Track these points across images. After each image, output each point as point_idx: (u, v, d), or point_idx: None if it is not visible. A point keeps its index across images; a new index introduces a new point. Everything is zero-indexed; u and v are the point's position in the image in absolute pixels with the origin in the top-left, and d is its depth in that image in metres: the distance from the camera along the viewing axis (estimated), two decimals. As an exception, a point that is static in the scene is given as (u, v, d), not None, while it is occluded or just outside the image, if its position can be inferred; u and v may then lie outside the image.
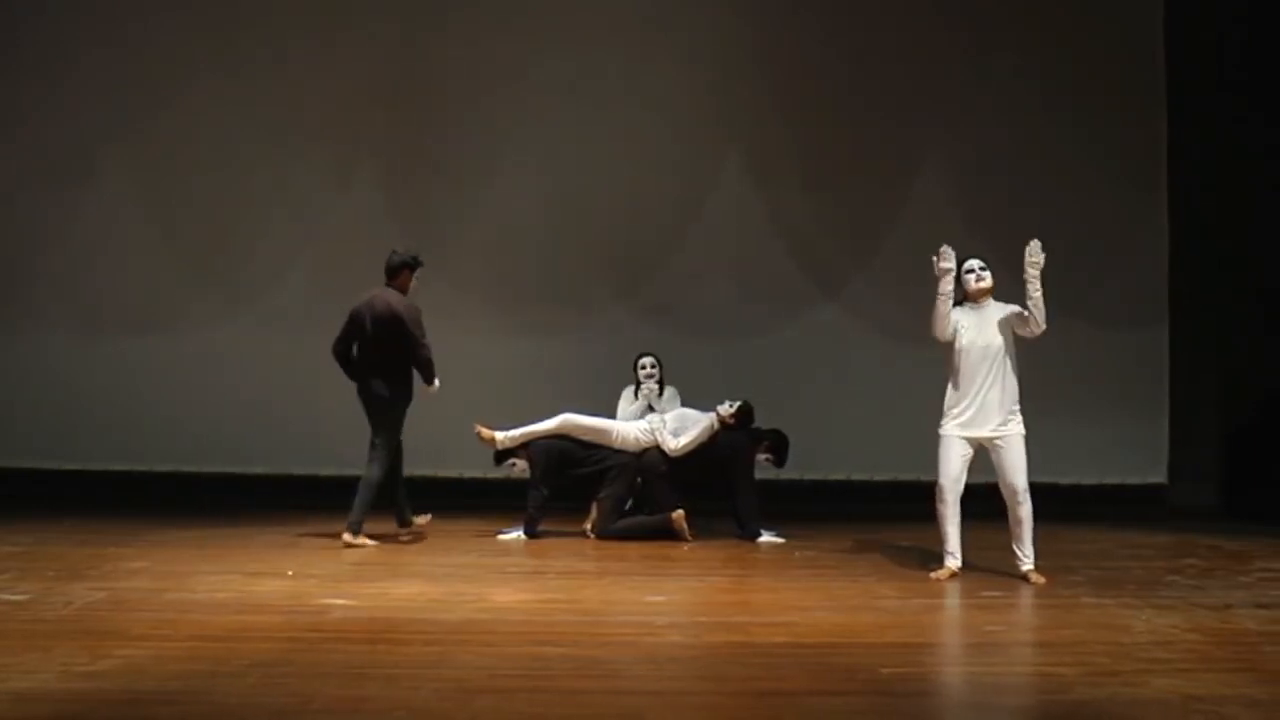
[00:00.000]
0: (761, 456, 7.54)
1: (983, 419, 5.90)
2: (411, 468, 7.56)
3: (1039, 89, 9.56)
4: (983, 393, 5.91)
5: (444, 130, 9.47)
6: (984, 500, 6.01)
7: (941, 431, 5.99)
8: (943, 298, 5.90)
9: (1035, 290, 5.80)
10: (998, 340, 5.91)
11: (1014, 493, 5.86)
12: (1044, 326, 5.85)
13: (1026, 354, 6.16)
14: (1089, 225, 9.49)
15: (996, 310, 5.99)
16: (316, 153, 9.45)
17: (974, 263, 6.06)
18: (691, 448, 7.38)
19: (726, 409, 7.43)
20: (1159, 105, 9.65)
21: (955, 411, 5.96)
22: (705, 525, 7.43)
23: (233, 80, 9.44)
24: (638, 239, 9.47)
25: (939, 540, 6.04)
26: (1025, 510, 5.87)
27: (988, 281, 6.03)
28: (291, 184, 9.42)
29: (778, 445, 7.58)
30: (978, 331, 5.94)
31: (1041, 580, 5.83)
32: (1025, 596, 5.60)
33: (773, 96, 9.58)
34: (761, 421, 7.65)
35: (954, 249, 5.98)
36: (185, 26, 9.48)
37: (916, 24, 9.65)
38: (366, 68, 9.48)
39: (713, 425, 7.42)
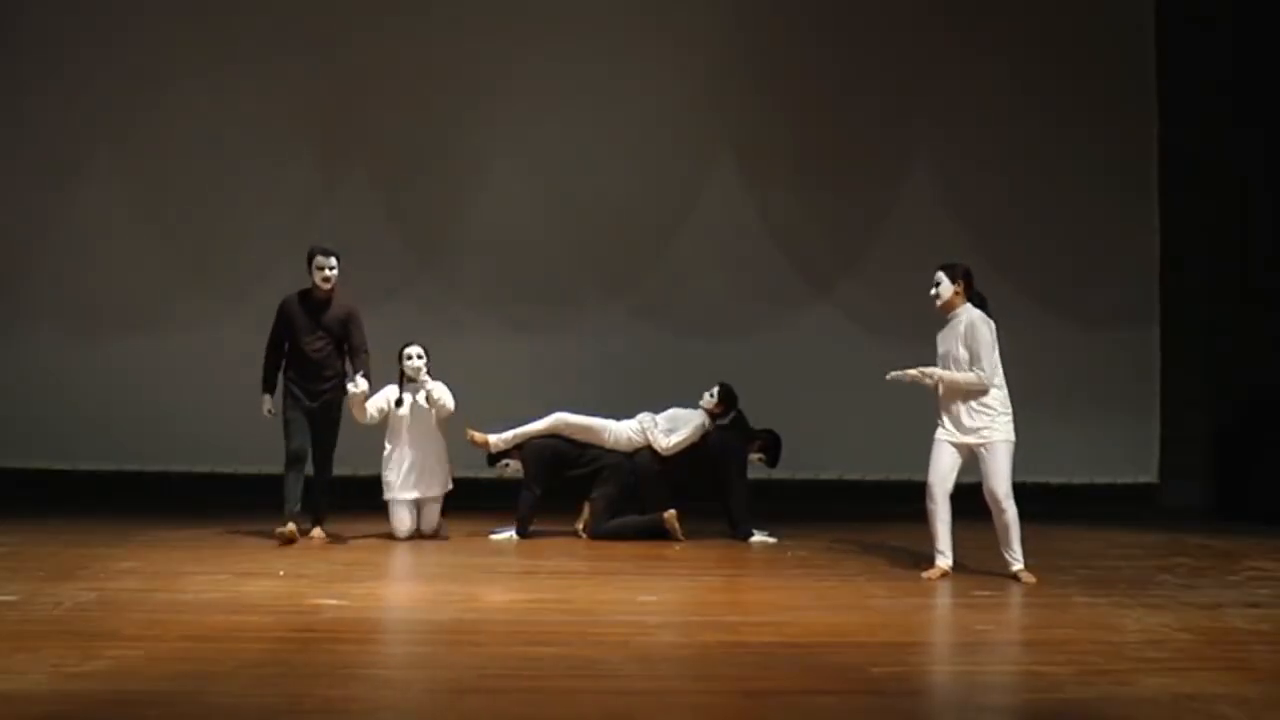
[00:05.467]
0: (753, 456, 7.55)
1: (955, 425, 5.95)
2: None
3: (1031, 90, 9.57)
4: (946, 401, 5.97)
5: (435, 129, 9.45)
6: (976, 500, 6.01)
7: (935, 434, 6.04)
8: (935, 379, 5.95)
9: (945, 382, 5.90)
10: (957, 351, 5.90)
11: (995, 499, 5.87)
12: (980, 386, 5.85)
13: (1019, 354, 6.18)
14: (1080, 226, 9.52)
15: (960, 321, 5.95)
16: (307, 152, 9.43)
17: (935, 278, 6.03)
18: (683, 446, 7.38)
19: (709, 399, 7.44)
20: (1150, 107, 9.67)
21: (939, 416, 6.03)
22: (697, 525, 7.42)
23: (223, 79, 9.41)
24: (630, 238, 9.47)
25: (930, 540, 6.05)
26: (1008, 517, 5.88)
27: (939, 300, 6.00)
28: (283, 183, 9.40)
29: (770, 445, 7.59)
30: (942, 343, 6.00)
31: (1032, 579, 5.84)
32: (1016, 596, 5.61)
33: (764, 97, 9.58)
34: (753, 421, 7.65)
35: (944, 250, 6.00)
36: (176, 26, 9.44)
37: (909, 25, 9.66)
38: (359, 67, 9.46)
39: (704, 424, 7.42)
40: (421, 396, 7.23)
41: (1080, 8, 9.74)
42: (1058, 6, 9.72)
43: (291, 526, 6.85)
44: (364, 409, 7.06)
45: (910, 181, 9.60)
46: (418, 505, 7.26)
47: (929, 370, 5.98)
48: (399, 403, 7.22)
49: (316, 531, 7.10)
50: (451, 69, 9.49)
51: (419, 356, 7.26)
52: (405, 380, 7.28)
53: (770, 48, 9.62)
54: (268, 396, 7.14)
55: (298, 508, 6.97)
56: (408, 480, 7.22)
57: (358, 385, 6.88)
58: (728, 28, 9.64)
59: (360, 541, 7.02)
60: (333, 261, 6.99)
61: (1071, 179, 9.56)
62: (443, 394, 7.20)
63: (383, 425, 7.25)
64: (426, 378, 7.25)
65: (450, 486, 7.40)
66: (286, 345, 7.10)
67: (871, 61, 9.64)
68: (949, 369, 5.93)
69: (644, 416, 7.57)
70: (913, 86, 9.62)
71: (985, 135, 9.57)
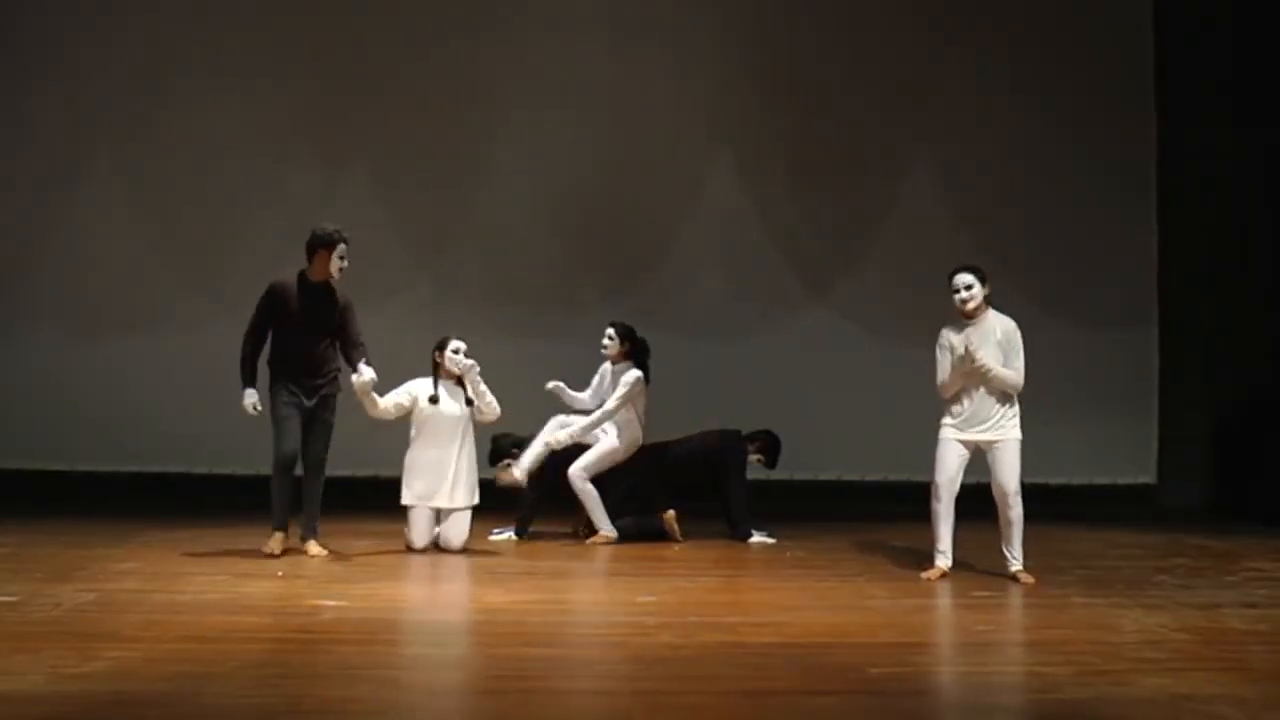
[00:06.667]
0: (752, 457, 7.56)
1: (977, 423, 5.92)
2: (398, 469, 7.52)
3: (1029, 90, 9.57)
4: (976, 401, 5.91)
5: (435, 130, 9.45)
6: (976, 501, 6.02)
7: (940, 434, 6.01)
8: (956, 373, 5.89)
9: (992, 377, 5.84)
10: (993, 354, 5.85)
11: (1005, 495, 5.87)
12: (1018, 387, 5.88)
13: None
14: (1078, 226, 9.52)
15: (995, 323, 5.92)
16: (307, 153, 9.42)
17: (960, 280, 5.90)
18: (627, 399, 7.15)
19: (611, 345, 7.26)
20: (1148, 106, 9.67)
21: (952, 414, 5.98)
22: (696, 526, 7.42)
23: (224, 80, 9.41)
24: (628, 240, 9.48)
25: (930, 540, 6.05)
26: (1015, 513, 5.89)
27: (974, 302, 5.90)
28: (283, 183, 9.39)
29: (768, 446, 7.60)
30: (973, 347, 5.86)
31: (1031, 580, 5.85)
32: (1015, 596, 5.62)
33: (763, 98, 9.59)
34: (754, 422, 7.66)
35: (943, 250, 5.98)
36: (176, 27, 9.44)
37: (906, 26, 9.66)
38: (359, 67, 9.46)
39: (638, 376, 7.22)
40: (460, 397, 6.74)
41: (1080, 8, 9.74)
42: (1057, 6, 9.73)
43: (279, 544, 6.35)
44: (374, 400, 6.51)
45: (910, 181, 9.61)
46: (438, 515, 6.77)
47: (986, 365, 5.84)
48: (434, 400, 6.68)
49: (314, 548, 6.42)
50: (452, 69, 9.49)
51: (466, 354, 6.72)
52: (443, 377, 6.77)
53: (770, 48, 9.62)
54: (252, 391, 6.43)
55: (287, 523, 6.43)
56: (434, 487, 6.71)
57: (363, 374, 6.29)
58: (727, 28, 9.64)
59: (362, 544, 6.97)
60: None
61: (1071, 179, 9.56)
62: (493, 398, 6.76)
63: (381, 424, 7.07)
64: (479, 377, 6.70)
65: (476, 500, 6.86)
66: (270, 336, 6.44)
67: (871, 61, 9.65)
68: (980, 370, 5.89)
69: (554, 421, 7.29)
70: (912, 86, 9.62)
71: (985, 135, 9.57)
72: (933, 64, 9.62)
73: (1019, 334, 5.90)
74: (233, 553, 6.47)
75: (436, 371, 6.81)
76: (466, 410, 6.79)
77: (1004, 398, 5.90)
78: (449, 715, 3.67)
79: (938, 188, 9.58)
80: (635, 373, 7.26)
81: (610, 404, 7.19)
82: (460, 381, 6.80)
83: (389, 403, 6.66)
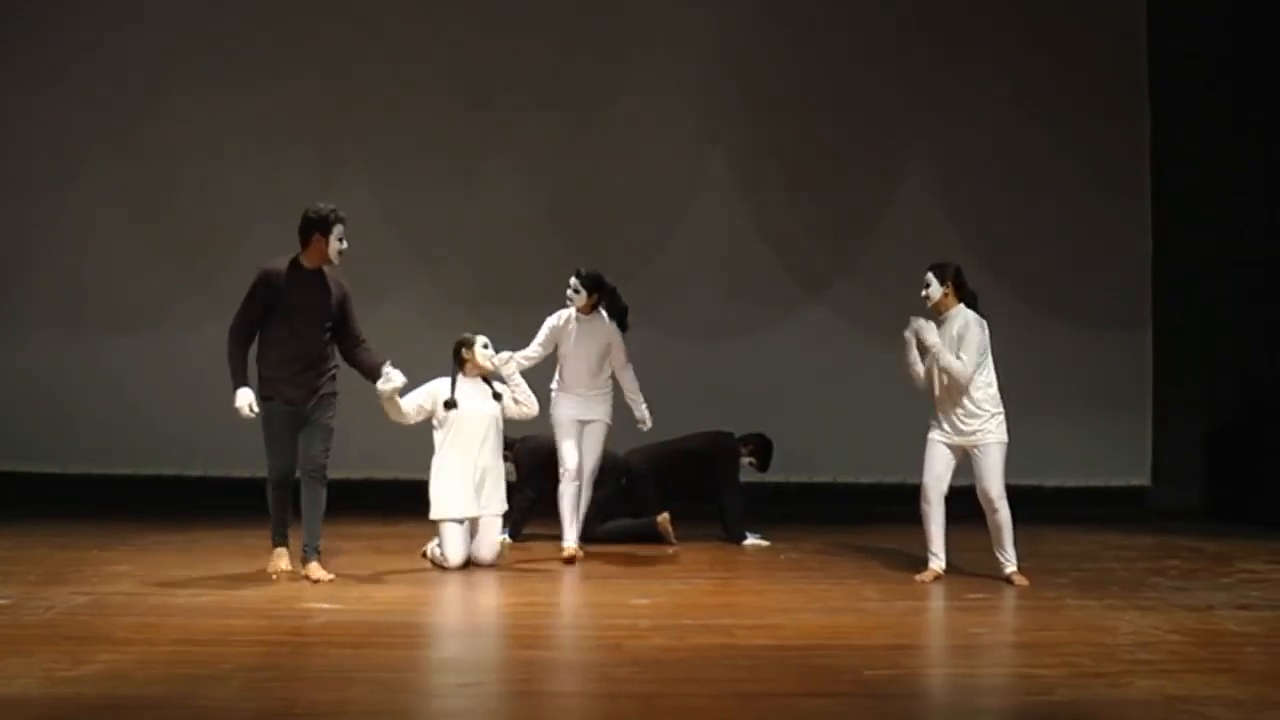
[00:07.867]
0: (744, 460, 7.56)
1: (951, 426, 5.95)
2: (397, 470, 7.47)
3: (1023, 92, 9.58)
4: (942, 401, 5.97)
5: (428, 132, 9.44)
6: (970, 502, 6.02)
7: (928, 435, 6.05)
8: (911, 364, 5.99)
9: (934, 359, 5.90)
10: (946, 347, 5.89)
11: (988, 500, 5.88)
12: (960, 377, 5.82)
13: (1011, 356, 6.19)
14: (1073, 228, 9.53)
15: (954, 322, 5.93)
16: (301, 154, 9.40)
17: (925, 280, 6.01)
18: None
19: (578, 297, 6.66)
20: (1142, 108, 9.68)
21: (935, 418, 6.03)
22: (690, 528, 7.42)
23: (216, 81, 9.38)
24: (622, 241, 9.45)
25: (924, 542, 6.06)
26: (1000, 517, 5.89)
27: (930, 300, 5.99)
28: (276, 185, 9.36)
29: (761, 449, 7.60)
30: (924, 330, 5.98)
31: (1025, 582, 5.85)
32: (1009, 598, 5.63)
33: (757, 98, 9.59)
34: (748, 424, 7.66)
35: (938, 251, 5.97)
36: (168, 27, 9.42)
37: (901, 27, 9.67)
38: (352, 68, 9.46)
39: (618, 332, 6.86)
40: (487, 394, 6.36)
41: (1075, 10, 9.75)
42: (1053, 9, 9.73)
43: (285, 560, 5.90)
44: (398, 405, 6.00)
45: (904, 183, 9.61)
46: (472, 525, 6.30)
47: (930, 339, 5.88)
48: (450, 404, 6.21)
49: (316, 570, 5.77)
50: (447, 71, 9.49)
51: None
52: (468, 375, 6.38)
53: (763, 50, 9.61)
54: (247, 390, 5.76)
55: (288, 536, 5.96)
56: (465, 495, 6.23)
57: (392, 379, 5.76)
58: (722, 30, 9.64)
59: (356, 548, 6.97)
60: None
61: (1065, 179, 9.56)
62: (530, 391, 6.42)
63: (378, 426, 6.96)
64: (516, 371, 6.33)
65: (506, 506, 6.51)
66: (259, 331, 5.85)
67: (866, 63, 9.64)
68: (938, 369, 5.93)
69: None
70: (905, 89, 9.61)
71: (979, 135, 9.57)
72: (928, 66, 9.62)
73: (976, 330, 5.86)
74: (227, 556, 6.46)
75: (456, 373, 6.40)
76: (495, 409, 6.39)
77: (972, 405, 5.87)
78: (443, 718, 3.67)
79: (933, 189, 9.57)
80: (614, 326, 6.83)
81: (630, 371, 6.88)
82: (485, 380, 6.45)
83: (410, 405, 6.17)
